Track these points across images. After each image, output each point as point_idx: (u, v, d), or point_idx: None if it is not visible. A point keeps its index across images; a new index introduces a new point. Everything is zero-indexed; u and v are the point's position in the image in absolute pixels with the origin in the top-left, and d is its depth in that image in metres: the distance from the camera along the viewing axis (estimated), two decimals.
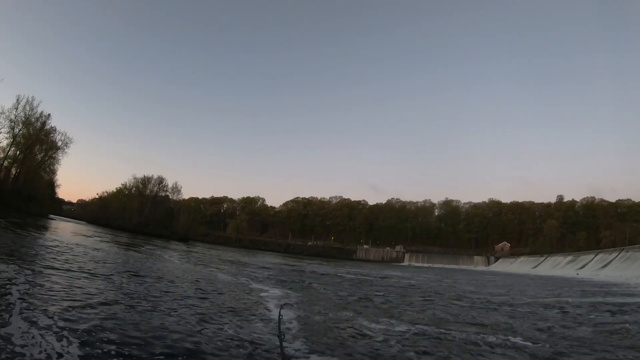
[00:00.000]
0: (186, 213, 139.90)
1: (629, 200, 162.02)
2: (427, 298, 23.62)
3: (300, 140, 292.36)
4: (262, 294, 18.07)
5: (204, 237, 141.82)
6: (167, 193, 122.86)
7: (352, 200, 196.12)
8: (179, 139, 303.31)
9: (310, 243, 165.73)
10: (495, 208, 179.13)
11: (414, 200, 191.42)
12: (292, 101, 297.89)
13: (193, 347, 8.17)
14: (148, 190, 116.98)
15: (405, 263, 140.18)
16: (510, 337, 11.38)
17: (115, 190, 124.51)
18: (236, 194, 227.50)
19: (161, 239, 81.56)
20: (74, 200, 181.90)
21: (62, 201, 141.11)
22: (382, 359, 8.62)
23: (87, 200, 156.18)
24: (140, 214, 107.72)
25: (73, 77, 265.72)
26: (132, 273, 19.26)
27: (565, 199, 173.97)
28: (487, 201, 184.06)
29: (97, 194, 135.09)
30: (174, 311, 11.59)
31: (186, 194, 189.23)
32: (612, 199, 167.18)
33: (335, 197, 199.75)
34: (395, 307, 17.63)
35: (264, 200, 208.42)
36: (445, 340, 10.85)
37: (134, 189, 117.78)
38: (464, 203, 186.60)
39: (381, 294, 24.12)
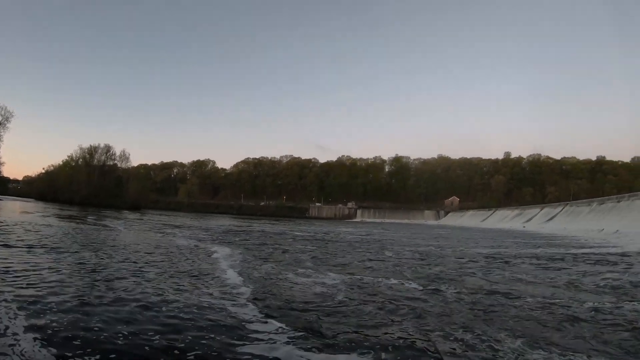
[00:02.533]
0: (136, 181, 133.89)
1: (573, 158, 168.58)
2: (375, 250, 24.23)
3: (248, 100, 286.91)
4: (215, 256, 17.91)
5: (156, 204, 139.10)
6: (115, 162, 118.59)
7: (303, 158, 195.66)
8: (124, 104, 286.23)
9: (262, 203, 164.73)
10: (444, 164, 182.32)
11: (365, 157, 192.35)
12: (239, 62, 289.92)
13: (151, 315, 7.89)
14: (95, 160, 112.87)
15: (358, 219, 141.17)
16: (432, 285, 11.96)
17: (61, 163, 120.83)
18: (186, 158, 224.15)
19: (112, 209, 78.37)
20: (20, 178, 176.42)
21: (7, 180, 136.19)
22: (330, 311, 8.66)
23: (34, 176, 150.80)
24: (88, 186, 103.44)
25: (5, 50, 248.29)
26: (81, 245, 18.27)
27: (513, 156, 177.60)
28: (436, 157, 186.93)
29: (44, 169, 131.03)
30: (129, 280, 11.18)
31: (135, 161, 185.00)
32: (557, 157, 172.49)
33: (286, 157, 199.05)
34: (343, 262, 17.74)
35: (214, 162, 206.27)
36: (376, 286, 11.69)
37: (81, 160, 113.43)
38: (414, 159, 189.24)
39: (334, 248, 24.34)
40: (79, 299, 8.63)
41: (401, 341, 6.84)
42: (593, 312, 8.93)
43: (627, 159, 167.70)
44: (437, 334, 7.20)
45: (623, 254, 22.50)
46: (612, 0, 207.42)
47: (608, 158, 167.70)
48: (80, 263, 13.46)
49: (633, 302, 9.94)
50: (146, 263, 14.58)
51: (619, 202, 54.16)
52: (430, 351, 6.31)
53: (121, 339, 6.55)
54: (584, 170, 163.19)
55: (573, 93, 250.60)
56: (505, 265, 17.99)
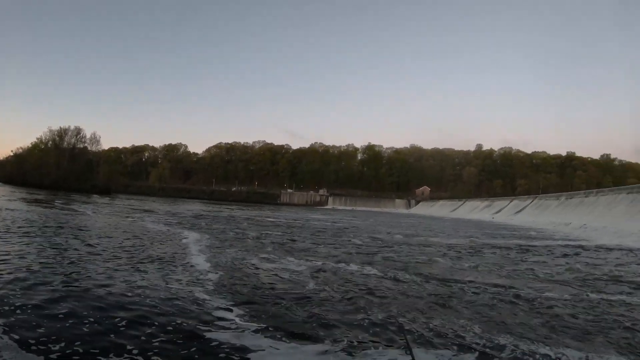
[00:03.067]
0: (106, 164, 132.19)
1: (544, 152, 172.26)
2: (341, 237, 24.47)
3: (222, 85, 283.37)
4: (184, 241, 17.93)
5: (126, 188, 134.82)
6: (86, 144, 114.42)
7: (276, 144, 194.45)
8: (95, 86, 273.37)
9: (234, 189, 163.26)
10: (416, 154, 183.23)
11: (337, 145, 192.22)
12: (213, 46, 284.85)
13: (117, 301, 7.85)
14: (65, 143, 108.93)
15: (329, 206, 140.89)
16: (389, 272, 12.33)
17: (30, 145, 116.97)
18: (158, 142, 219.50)
19: (81, 193, 76.73)
20: None
21: None
22: (295, 298, 8.78)
23: (1, 159, 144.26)
24: (58, 169, 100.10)
25: None
26: (47, 230, 17.81)
27: (484, 148, 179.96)
28: (409, 147, 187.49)
29: (12, 151, 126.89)
30: (95, 265, 11.02)
31: (106, 144, 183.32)
32: (528, 151, 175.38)
33: (259, 142, 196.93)
34: (309, 248, 17.88)
35: (186, 146, 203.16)
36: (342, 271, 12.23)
37: (50, 142, 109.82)
38: (387, 148, 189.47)
39: (301, 235, 24.35)
40: (44, 285, 8.45)
41: (366, 327, 6.91)
42: (551, 302, 9.25)
43: (596, 155, 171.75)
44: (402, 319, 7.39)
45: (586, 247, 22.96)
46: None
47: (578, 154, 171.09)
48: (46, 248, 13.17)
49: (589, 292, 10.46)
50: (114, 248, 14.41)
51: (586, 197, 54.75)
52: (397, 336, 6.43)
53: (86, 325, 6.42)
54: (553, 165, 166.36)
55: (546, 90, 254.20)
56: (469, 255, 18.29)
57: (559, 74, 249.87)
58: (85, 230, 19.18)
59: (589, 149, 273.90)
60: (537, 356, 5.88)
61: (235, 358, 5.51)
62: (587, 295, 10.18)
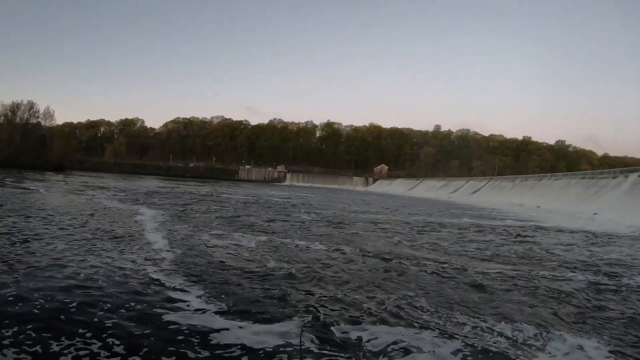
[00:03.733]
0: (60, 140, 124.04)
1: (500, 135, 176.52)
2: (295, 214, 24.85)
3: (180, 59, 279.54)
4: (138, 218, 17.69)
5: (81, 164, 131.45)
6: (39, 119, 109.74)
7: (234, 120, 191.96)
8: (48, 58, 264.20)
9: (191, 165, 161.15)
10: (375, 132, 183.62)
11: (296, 121, 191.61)
12: (170, 19, 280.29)
13: (68, 282, 7.43)
14: (18, 118, 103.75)
15: (287, 183, 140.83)
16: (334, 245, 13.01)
17: None
18: (114, 117, 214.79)
19: (35, 171, 74.49)
20: None
21: None
22: (247, 274, 8.83)
23: None
24: (10, 146, 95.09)
25: None
26: (11, 214, 16.45)
27: (442, 129, 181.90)
28: (367, 125, 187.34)
29: None
30: (46, 244, 10.58)
31: (60, 119, 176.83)
32: (485, 133, 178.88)
33: (217, 117, 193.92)
34: (261, 224, 18.10)
35: (143, 121, 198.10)
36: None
37: (2, 117, 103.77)
38: (345, 126, 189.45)
39: (256, 212, 24.61)
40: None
41: (319, 302, 7.02)
42: (498, 279, 9.50)
43: (551, 141, 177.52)
44: (355, 295, 7.50)
45: (538, 227, 23.21)
46: None
47: (534, 139, 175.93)
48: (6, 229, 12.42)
49: (533, 269, 10.79)
50: (65, 227, 13.86)
51: (540, 180, 55.83)
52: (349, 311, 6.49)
53: (35, 307, 6.11)
54: (509, 148, 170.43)
55: (505, 75, 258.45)
56: (420, 231, 19.02)
57: (519, 60, 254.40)
58: (34, 209, 18.47)
59: (544, 134, 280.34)
60: (493, 332, 5.93)
61: (195, 340, 5.33)
62: (532, 272, 10.43)
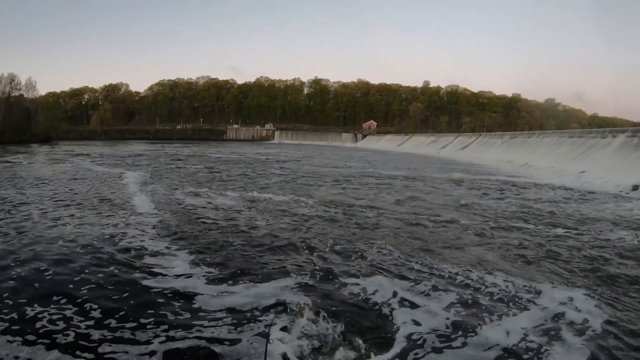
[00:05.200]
0: (44, 111, 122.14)
1: (490, 92, 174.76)
2: (274, 172, 25.60)
3: (162, 20, 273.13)
4: (124, 181, 18.65)
5: (68, 134, 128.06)
6: (21, 92, 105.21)
7: (220, 79, 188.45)
8: (26, 26, 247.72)
9: (179, 127, 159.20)
10: (363, 88, 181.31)
11: (284, 79, 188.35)
12: None
13: (56, 248, 7.89)
14: (0, 92, 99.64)
15: (276, 141, 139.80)
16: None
17: None
18: (98, 83, 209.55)
19: (20, 144, 73.01)
20: None
21: None
22: (233, 231, 9.47)
23: None
24: None
25: None
26: None
27: (431, 85, 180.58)
28: (356, 81, 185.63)
29: None
30: (34, 210, 11.35)
31: (43, 90, 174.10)
32: (474, 90, 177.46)
33: (203, 77, 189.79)
34: (246, 182, 19.30)
35: (127, 86, 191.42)
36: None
37: None
38: (333, 82, 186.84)
39: (240, 171, 25.53)
40: None
41: (300, 260, 7.50)
42: (480, 233, 10.09)
43: (541, 99, 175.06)
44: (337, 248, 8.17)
45: (523, 184, 23.65)
46: None
47: (523, 97, 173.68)
48: None
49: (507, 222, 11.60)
50: (52, 194, 14.53)
51: (529, 137, 55.92)
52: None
53: (19, 271, 6.57)
54: (499, 105, 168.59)
55: (496, 29, 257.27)
56: (406, 185, 20.63)
57: (509, 16, 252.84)
58: (21, 179, 19.11)
59: (534, 92, 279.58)
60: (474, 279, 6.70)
61: (177, 303, 5.57)
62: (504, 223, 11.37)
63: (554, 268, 7.50)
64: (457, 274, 6.87)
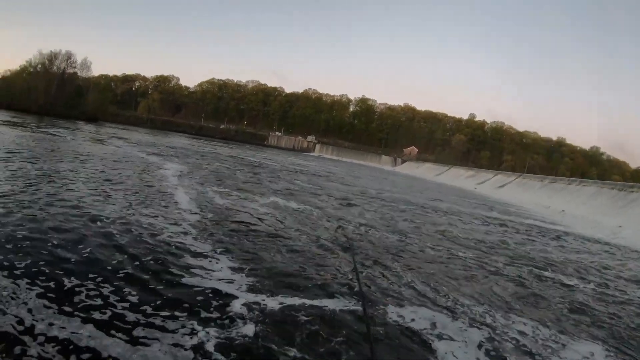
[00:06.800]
0: (95, 91, 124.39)
1: (535, 133, 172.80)
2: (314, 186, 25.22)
3: (219, 21, 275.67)
4: (165, 172, 19.13)
5: (115, 117, 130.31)
6: (76, 70, 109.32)
7: (269, 86, 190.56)
8: (90, 8, 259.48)
9: (222, 126, 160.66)
10: (409, 113, 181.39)
11: (331, 94, 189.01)
12: None
13: (103, 230, 8.19)
14: (55, 67, 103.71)
15: (316, 154, 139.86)
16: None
17: (19, 68, 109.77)
18: (149, 72, 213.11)
19: (69, 120, 75.07)
20: None
21: None
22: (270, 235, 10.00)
23: None
24: (46, 94, 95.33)
25: None
26: (35, 157, 17.54)
27: (477, 119, 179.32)
28: (402, 105, 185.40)
29: None
30: (83, 193, 11.41)
31: (96, 71, 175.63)
32: (519, 129, 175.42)
33: (252, 82, 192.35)
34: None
35: (178, 79, 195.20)
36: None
37: (40, 66, 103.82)
38: (380, 103, 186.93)
39: (275, 177, 26.55)
40: (21, 208, 8.77)
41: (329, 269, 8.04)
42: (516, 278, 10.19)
43: (586, 146, 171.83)
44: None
45: (562, 232, 23.39)
46: None
47: (568, 141, 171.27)
48: (29, 171, 13.41)
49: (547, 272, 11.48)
50: (95, 173, 15.08)
51: (569, 184, 55.09)
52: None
53: (50, 246, 6.81)
54: (542, 147, 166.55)
55: (547, 73, 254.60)
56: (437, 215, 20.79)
57: (559, 58, 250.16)
58: (69, 156, 19.42)
59: (578, 138, 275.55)
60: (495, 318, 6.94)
61: (214, 303, 5.78)
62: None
63: (576, 320, 7.66)
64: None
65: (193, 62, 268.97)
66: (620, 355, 6.33)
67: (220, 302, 5.82)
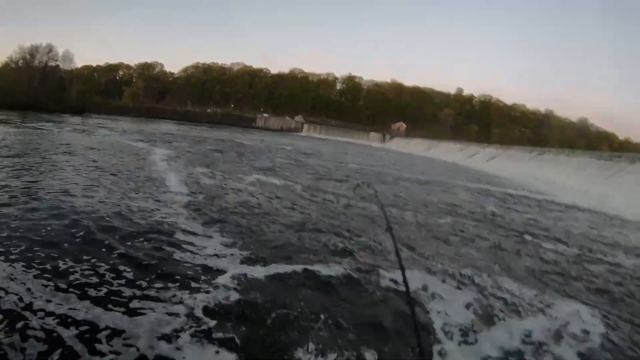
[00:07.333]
0: (79, 83, 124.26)
1: (523, 106, 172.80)
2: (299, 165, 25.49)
3: (202, 3, 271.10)
4: (154, 157, 19.50)
5: (100, 107, 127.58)
6: (58, 62, 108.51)
7: (255, 67, 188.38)
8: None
9: (209, 110, 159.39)
10: (397, 89, 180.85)
11: (317, 72, 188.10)
12: None
13: (95, 216, 8.34)
14: (37, 62, 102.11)
15: (304, 133, 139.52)
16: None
17: (0, 66, 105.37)
18: (133, 60, 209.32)
19: (54, 114, 73.62)
20: None
21: None
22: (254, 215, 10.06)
23: None
24: (30, 89, 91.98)
25: None
26: (24, 151, 17.48)
27: (465, 93, 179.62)
28: (389, 81, 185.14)
29: None
30: (73, 181, 11.56)
31: (79, 62, 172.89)
32: (507, 102, 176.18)
33: (237, 64, 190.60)
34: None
35: (162, 65, 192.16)
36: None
37: (21, 61, 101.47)
38: (367, 80, 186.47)
39: (263, 158, 26.70)
40: (13, 198, 9.02)
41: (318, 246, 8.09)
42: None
43: (574, 118, 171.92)
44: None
45: (549, 201, 23.74)
46: None
47: (556, 113, 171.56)
48: (18, 164, 13.50)
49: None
50: (83, 163, 15.11)
51: (558, 155, 55.33)
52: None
53: (46, 230, 7.10)
54: (531, 119, 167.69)
55: (534, 45, 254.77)
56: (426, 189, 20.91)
57: (544, 30, 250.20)
58: (50, 145, 19.59)
59: (567, 110, 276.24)
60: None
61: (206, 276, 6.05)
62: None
63: (562, 282, 7.98)
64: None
65: (177, 47, 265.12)
66: (604, 314, 6.58)
67: (211, 274, 6.10)
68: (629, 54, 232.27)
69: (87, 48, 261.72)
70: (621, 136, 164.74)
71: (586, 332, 5.80)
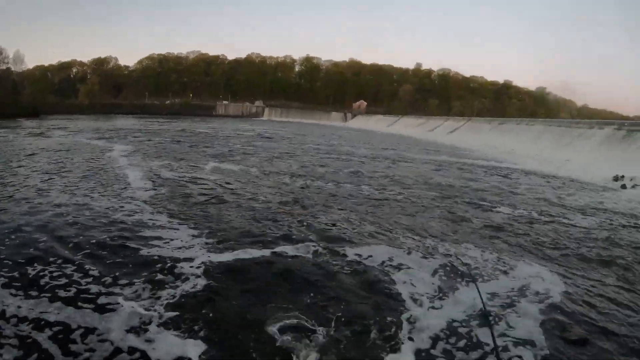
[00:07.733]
0: (32, 85, 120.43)
1: (481, 77, 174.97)
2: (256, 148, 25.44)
3: None
4: (114, 154, 19.21)
5: (55, 108, 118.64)
6: (9, 65, 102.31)
7: (211, 55, 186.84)
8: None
9: (167, 102, 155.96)
10: (355, 68, 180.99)
11: (275, 56, 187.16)
12: None
13: (68, 218, 8.32)
14: None
15: (265, 118, 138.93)
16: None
17: None
18: (86, 56, 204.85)
19: (8, 119, 70.69)
20: None
21: None
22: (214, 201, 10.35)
23: None
24: None
25: None
26: None
27: (423, 68, 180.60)
28: (347, 60, 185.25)
29: None
30: (35, 187, 11.37)
31: (31, 63, 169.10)
32: (466, 74, 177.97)
33: (193, 52, 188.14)
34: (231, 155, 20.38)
35: (117, 59, 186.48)
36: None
37: None
38: (325, 61, 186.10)
39: (222, 145, 26.84)
40: None
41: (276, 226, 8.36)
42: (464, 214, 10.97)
43: (532, 87, 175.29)
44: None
45: (513, 169, 24.28)
46: None
47: (515, 83, 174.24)
48: None
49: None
50: (42, 166, 14.86)
51: (517, 124, 56.22)
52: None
53: (19, 239, 7.00)
54: (490, 90, 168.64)
55: (489, 15, 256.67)
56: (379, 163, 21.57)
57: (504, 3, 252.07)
58: (9, 153, 19.15)
59: (525, 80, 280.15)
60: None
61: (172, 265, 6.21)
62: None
63: (522, 245, 8.38)
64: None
65: (131, 39, 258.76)
66: (563, 272, 7.01)
67: (179, 264, 6.22)
68: (587, 23, 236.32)
69: (37, 48, 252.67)
70: (579, 103, 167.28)
71: (547, 290, 6.16)
